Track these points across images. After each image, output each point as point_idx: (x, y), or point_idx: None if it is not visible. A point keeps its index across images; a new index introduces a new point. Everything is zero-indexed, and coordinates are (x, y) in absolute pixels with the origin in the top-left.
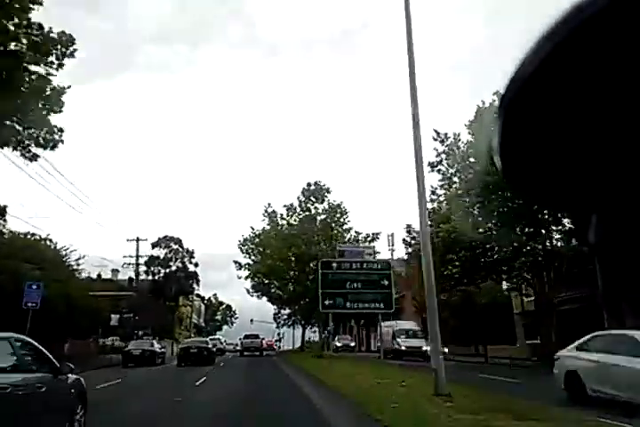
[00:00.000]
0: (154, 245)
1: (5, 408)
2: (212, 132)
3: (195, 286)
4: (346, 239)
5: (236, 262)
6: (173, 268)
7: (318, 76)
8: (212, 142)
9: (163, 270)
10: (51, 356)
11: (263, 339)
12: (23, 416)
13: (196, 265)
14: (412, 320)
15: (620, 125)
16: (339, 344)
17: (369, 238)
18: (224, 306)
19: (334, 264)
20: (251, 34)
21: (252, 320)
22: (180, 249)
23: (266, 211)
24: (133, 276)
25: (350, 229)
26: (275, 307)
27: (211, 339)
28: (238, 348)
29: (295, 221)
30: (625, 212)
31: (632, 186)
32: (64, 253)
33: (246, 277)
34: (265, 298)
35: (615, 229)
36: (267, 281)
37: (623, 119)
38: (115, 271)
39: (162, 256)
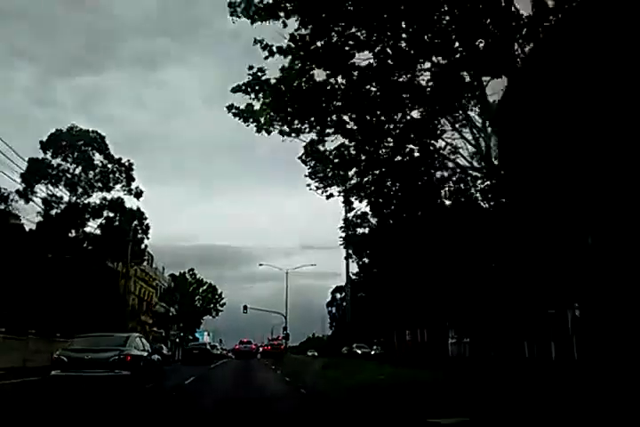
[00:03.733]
0: (45, 147)
1: (141, 368)
2: None
3: (142, 236)
4: None
5: None
6: (92, 198)
7: None
8: None
9: (64, 196)
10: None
11: (256, 344)
12: (146, 372)
13: (139, 195)
14: None
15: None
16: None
17: None
18: (205, 286)
19: None
20: None
21: (245, 307)
22: (104, 162)
23: None
24: None
25: None
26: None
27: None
28: (230, 355)
29: None
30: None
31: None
32: None
33: None
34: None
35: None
36: None
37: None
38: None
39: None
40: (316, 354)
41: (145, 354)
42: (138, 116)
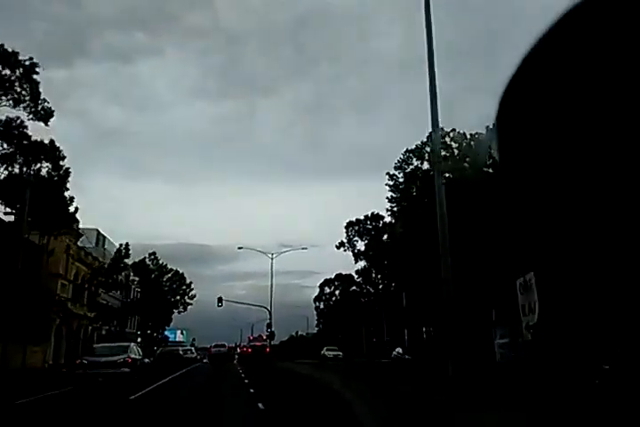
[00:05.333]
0: None
1: (137, 368)
2: None
3: (69, 195)
4: None
5: None
6: None
7: None
8: None
9: None
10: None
11: (230, 347)
12: (140, 371)
13: (46, 118)
14: None
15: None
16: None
17: None
18: (170, 274)
19: None
20: None
21: (220, 299)
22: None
23: None
24: None
25: None
26: None
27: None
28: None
29: None
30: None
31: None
32: None
33: None
34: None
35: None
36: None
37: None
38: None
39: None
40: (340, 355)
41: (139, 357)
42: (112, 111)
